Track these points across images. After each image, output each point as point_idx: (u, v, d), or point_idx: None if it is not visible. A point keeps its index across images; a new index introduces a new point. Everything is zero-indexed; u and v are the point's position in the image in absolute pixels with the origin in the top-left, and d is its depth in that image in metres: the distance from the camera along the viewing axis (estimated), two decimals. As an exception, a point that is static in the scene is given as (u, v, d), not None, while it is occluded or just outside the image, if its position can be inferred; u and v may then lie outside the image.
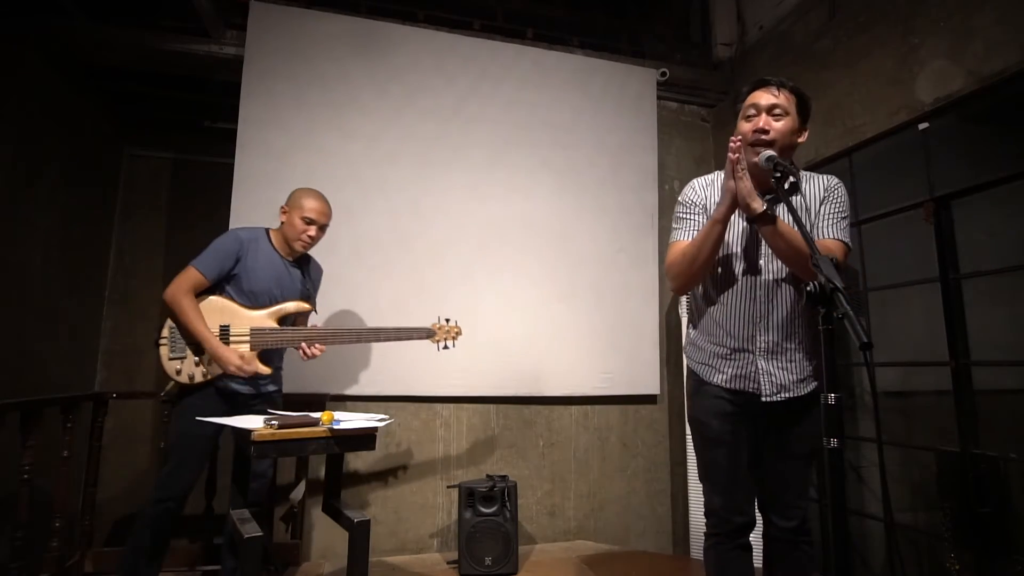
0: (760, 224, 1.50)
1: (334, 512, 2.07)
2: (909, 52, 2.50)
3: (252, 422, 1.83)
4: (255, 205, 2.87)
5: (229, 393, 2.17)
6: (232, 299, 2.16)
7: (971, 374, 2.32)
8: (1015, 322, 2.25)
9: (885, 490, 2.22)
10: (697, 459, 1.73)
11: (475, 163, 3.22)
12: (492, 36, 3.39)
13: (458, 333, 2.48)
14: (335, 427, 1.82)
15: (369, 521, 1.87)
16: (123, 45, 3.01)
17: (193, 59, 3.09)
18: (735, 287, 1.61)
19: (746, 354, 1.60)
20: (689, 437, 3.15)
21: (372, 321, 2.96)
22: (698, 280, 1.66)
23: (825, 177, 1.69)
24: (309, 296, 2.36)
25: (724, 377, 1.63)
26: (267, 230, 2.29)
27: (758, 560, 1.70)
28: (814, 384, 1.59)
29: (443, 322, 2.46)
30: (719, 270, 1.64)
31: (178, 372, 2.11)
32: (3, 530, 2.31)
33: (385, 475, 2.96)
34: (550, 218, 3.30)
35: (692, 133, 3.78)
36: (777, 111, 1.60)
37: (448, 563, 2.76)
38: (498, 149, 3.26)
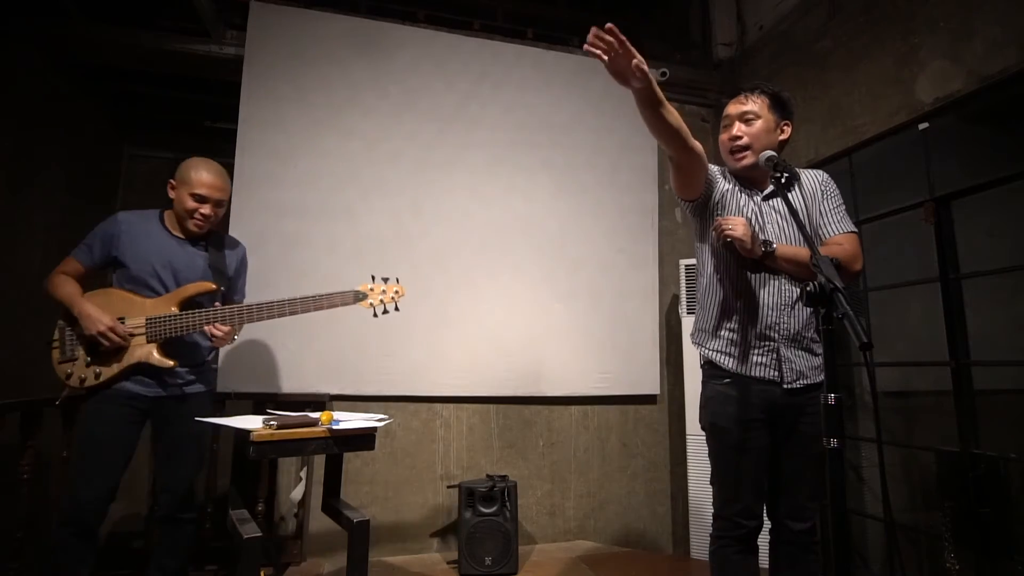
0: (765, 261, 1.61)
1: (334, 512, 2.07)
2: (909, 52, 2.50)
3: (250, 422, 1.83)
4: (255, 205, 2.87)
5: (136, 396, 1.95)
6: (125, 289, 1.98)
7: (971, 374, 2.32)
8: (1015, 322, 2.26)
9: (885, 490, 2.21)
10: (713, 464, 1.72)
11: (476, 164, 3.22)
12: (492, 36, 3.39)
13: (398, 293, 2.13)
14: (334, 427, 1.82)
15: (369, 521, 1.87)
16: (123, 45, 3.00)
17: (193, 59, 3.09)
18: (763, 276, 1.64)
19: (769, 342, 1.63)
20: (689, 437, 3.15)
21: (375, 322, 2.93)
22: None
23: (814, 172, 1.78)
24: (215, 276, 2.09)
25: (745, 366, 1.64)
26: (162, 211, 2.09)
27: (763, 561, 1.70)
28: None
29: (379, 282, 2.12)
30: (746, 260, 1.66)
31: (68, 376, 1.91)
32: (3, 530, 2.31)
33: (385, 475, 2.95)
34: (550, 219, 3.30)
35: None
36: (748, 116, 1.70)
37: (448, 563, 2.76)
38: (499, 150, 3.26)
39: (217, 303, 2.03)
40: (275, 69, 2.97)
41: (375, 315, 2.13)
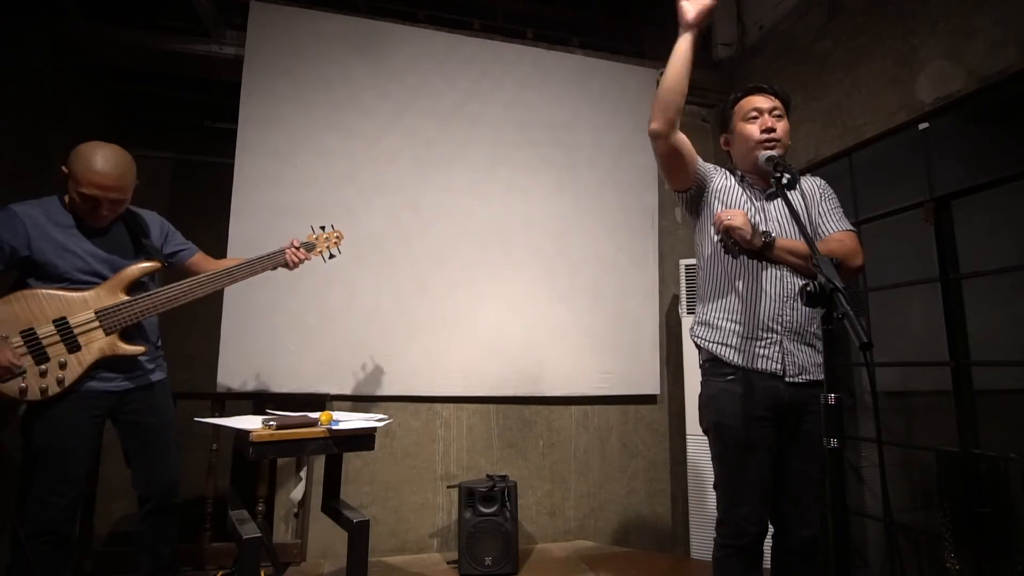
0: (765, 252, 1.61)
1: (334, 512, 2.07)
2: (909, 52, 2.50)
3: (250, 422, 1.83)
4: (255, 205, 2.87)
5: (101, 395, 1.83)
6: (54, 288, 1.78)
7: (971, 374, 2.32)
8: (1015, 322, 2.25)
9: (885, 490, 2.22)
10: (717, 466, 1.68)
11: (475, 163, 3.22)
12: (492, 36, 3.39)
13: (340, 238, 2.29)
14: (334, 427, 1.82)
15: (368, 521, 1.87)
16: (123, 45, 3.01)
17: (193, 59, 3.09)
18: (766, 267, 1.64)
19: (772, 334, 1.62)
20: (689, 437, 3.15)
21: (375, 322, 2.95)
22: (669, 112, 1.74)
23: (812, 177, 1.82)
24: (150, 253, 1.95)
25: (748, 358, 1.62)
26: (60, 195, 1.86)
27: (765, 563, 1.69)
28: None
29: (320, 231, 2.28)
30: (745, 252, 1.65)
31: (23, 391, 1.70)
32: (4, 529, 2.31)
33: (385, 475, 2.95)
34: (550, 218, 3.30)
35: (692, 133, 3.71)
36: (777, 112, 1.73)
37: (448, 563, 2.76)
38: (498, 149, 3.26)
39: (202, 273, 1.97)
40: (275, 69, 2.97)
41: (324, 260, 2.29)
